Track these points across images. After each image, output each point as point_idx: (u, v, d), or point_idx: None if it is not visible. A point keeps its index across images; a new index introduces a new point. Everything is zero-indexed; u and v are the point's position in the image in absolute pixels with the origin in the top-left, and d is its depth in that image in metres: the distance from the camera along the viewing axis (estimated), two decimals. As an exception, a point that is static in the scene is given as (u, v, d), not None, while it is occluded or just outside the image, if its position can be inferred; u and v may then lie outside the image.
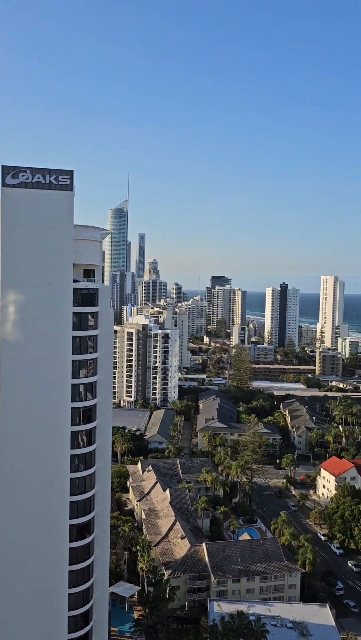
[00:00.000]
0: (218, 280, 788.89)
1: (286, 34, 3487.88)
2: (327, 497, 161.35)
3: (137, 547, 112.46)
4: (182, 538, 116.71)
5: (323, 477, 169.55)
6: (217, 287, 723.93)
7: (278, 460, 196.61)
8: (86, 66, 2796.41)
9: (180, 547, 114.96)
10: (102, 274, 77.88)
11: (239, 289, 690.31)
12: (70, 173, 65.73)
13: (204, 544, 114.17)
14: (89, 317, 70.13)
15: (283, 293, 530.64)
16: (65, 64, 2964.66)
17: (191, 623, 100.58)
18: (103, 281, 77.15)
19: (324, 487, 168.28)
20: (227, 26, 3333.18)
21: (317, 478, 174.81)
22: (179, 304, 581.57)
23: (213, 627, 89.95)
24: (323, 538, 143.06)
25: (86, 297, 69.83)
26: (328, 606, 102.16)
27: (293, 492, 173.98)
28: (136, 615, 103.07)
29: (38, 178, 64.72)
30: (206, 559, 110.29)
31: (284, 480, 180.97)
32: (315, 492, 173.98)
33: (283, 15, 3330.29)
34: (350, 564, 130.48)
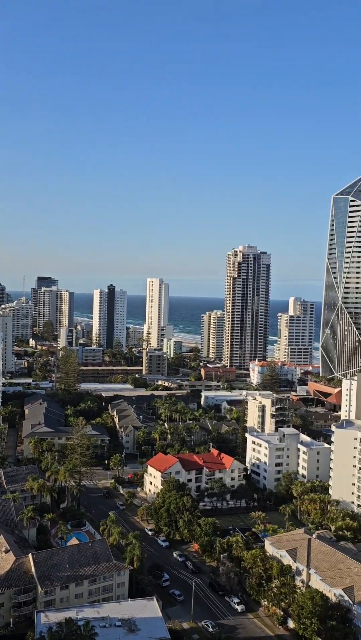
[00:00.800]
0: (44, 281, 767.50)
1: None
2: (154, 492, 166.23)
3: None
4: (6, 552, 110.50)
5: (150, 474, 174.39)
6: (43, 289, 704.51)
7: (106, 461, 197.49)
8: None
9: (4, 561, 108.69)
10: None
11: (66, 291, 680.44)
12: None
13: (30, 555, 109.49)
14: None
15: (110, 295, 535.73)
16: None
17: (17, 639, 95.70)
18: None
19: (151, 483, 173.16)
20: None
21: (144, 475, 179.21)
22: (3, 306, 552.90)
23: (40, 639, 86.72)
24: (150, 533, 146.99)
25: None
26: (155, 599, 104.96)
27: (122, 492, 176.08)
28: None
29: None
30: (33, 570, 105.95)
31: (113, 481, 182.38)
32: (142, 489, 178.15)
33: None
34: (175, 555, 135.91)
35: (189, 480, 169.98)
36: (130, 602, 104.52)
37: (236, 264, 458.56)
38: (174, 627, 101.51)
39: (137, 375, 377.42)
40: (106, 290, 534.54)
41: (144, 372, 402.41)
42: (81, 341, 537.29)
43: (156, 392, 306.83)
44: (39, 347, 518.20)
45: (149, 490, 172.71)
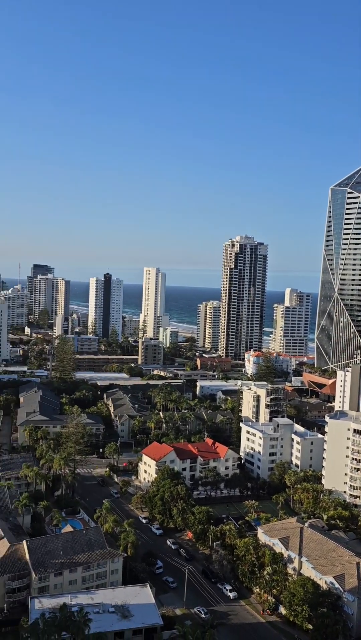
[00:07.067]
0: (40, 269, 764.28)
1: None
2: (148, 481, 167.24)
3: None
4: (0, 538, 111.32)
5: (145, 463, 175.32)
6: (39, 276, 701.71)
7: (101, 450, 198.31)
8: None
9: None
10: None
11: (62, 279, 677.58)
12: None
13: (24, 542, 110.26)
14: None
15: (107, 283, 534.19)
16: None
17: (11, 625, 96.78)
18: None
19: (145, 472, 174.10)
20: None
21: (139, 464, 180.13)
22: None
23: (34, 624, 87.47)
24: (144, 521, 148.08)
25: None
26: (148, 585, 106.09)
27: (116, 480, 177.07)
28: None
29: None
30: (27, 556, 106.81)
31: (107, 469, 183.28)
32: (137, 477, 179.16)
33: None
34: (168, 543, 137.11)
35: (184, 469, 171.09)
36: (123, 588, 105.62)
37: (233, 254, 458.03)
38: (166, 613, 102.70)
39: (132, 365, 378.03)
40: (102, 279, 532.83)
41: (139, 362, 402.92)
42: (76, 330, 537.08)
43: (151, 382, 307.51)
44: (34, 335, 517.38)
45: (144, 479, 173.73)
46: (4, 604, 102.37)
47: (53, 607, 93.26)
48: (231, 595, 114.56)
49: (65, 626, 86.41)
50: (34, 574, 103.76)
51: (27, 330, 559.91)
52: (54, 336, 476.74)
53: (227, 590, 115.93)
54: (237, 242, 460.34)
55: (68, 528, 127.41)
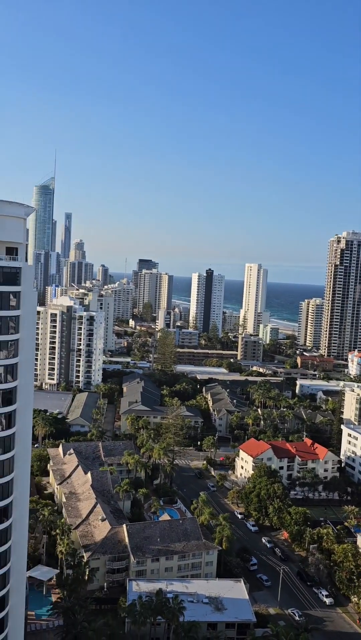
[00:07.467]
0: (145, 263, 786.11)
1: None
2: (245, 477, 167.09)
3: (57, 530, 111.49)
4: (102, 520, 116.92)
5: (242, 458, 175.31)
6: (144, 271, 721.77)
7: (199, 442, 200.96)
8: (13, 38, 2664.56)
9: (100, 529, 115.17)
10: (26, 253, 75.37)
11: (166, 274, 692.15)
12: (-7, 145, 62.83)
13: (124, 526, 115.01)
14: (11, 296, 67.83)
15: (208, 279, 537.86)
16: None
17: (110, 603, 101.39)
18: (27, 260, 74.72)
19: (242, 467, 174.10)
20: None
21: (236, 459, 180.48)
22: (106, 287, 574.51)
23: (131, 606, 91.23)
24: (239, 516, 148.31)
25: (7, 276, 67.42)
26: (242, 581, 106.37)
27: (213, 473, 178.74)
28: (54, 598, 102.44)
29: None
30: (126, 540, 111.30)
31: (205, 462, 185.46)
32: (234, 472, 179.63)
33: None
34: (263, 540, 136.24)
35: (281, 468, 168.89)
36: (218, 581, 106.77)
37: (339, 250, 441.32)
38: (260, 611, 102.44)
39: (232, 360, 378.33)
40: (204, 275, 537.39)
41: (239, 357, 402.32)
42: (178, 323, 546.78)
43: (250, 378, 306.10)
44: (138, 327, 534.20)
45: (240, 474, 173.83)
46: (104, 582, 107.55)
47: (149, 591, 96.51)
48: (328, 601, 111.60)
49: (160, 611, 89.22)
50: (133, 557, 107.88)
51: (131, 322, 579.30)
52: (157, 329, 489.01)
53: (323, 595, 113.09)
54: (343, 238, 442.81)
55: (165, 516, 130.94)
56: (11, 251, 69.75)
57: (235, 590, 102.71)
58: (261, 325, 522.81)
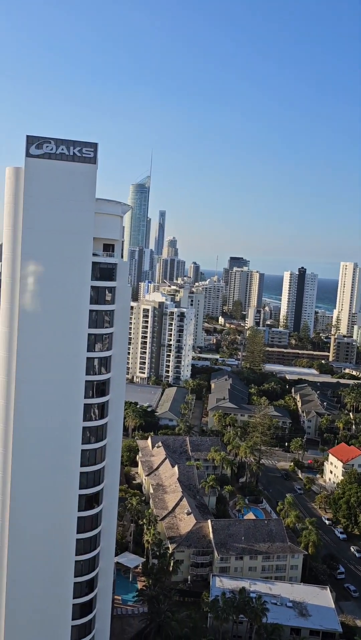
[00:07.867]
0: (236, 261, 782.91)
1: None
2: (333, 482, 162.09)
3: (144, 520, 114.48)
4: (188, 514, 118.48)
5: (331, 463, 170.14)
6: (235, 269, 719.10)
7: (286, 444, 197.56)
8: (111, 37, 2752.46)
9: (186, 522, 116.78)
10: (122, 250, 77.75)
11: (257, 272, 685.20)
12: (94, 146, 65.32)
13: (209, 521, 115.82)
14: (107, 291, 70.31)
15: (301, 277, 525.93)
16: (90, 35, 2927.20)
17: (193, 596, 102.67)
18: (122, 257, 77.10)
19: (331, 472, 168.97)
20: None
21: (325, 463, 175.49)
22: (196, 284, 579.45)
23: (214, 601, 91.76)
24: (327, 522, 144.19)
25: (104, 272, 69.92)
26: (328, 589, 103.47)
27: (300, 476, 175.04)
28: (139, 585, 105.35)
29: (62, 149, 64.42)
30: (211, 535, 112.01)
31: (292, 464, 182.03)
32: (322, 476, 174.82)
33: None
34: (352, 550, 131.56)
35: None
36: (302, 586, 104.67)
37: None
38: (346, 621, 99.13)
39: (323, 361, 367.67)
40: (297, 273, 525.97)
41: (330, 359, 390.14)
42: (268, 322, 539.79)
43: (342, 380, 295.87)
44: (227, 325, 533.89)
45: (329, 479, 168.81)
46: (188, 575, 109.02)
47: (233, 588, 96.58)
48: None
49: (243, 609, 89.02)
50: (217, 553, 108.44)
51: (220, 320, 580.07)
52: (246, 327, 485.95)
53: None
54: None
55: (250, 515, 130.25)
56: (108, 248, 72.27)
57: (321, 597, 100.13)
58: (356, 327, 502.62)
